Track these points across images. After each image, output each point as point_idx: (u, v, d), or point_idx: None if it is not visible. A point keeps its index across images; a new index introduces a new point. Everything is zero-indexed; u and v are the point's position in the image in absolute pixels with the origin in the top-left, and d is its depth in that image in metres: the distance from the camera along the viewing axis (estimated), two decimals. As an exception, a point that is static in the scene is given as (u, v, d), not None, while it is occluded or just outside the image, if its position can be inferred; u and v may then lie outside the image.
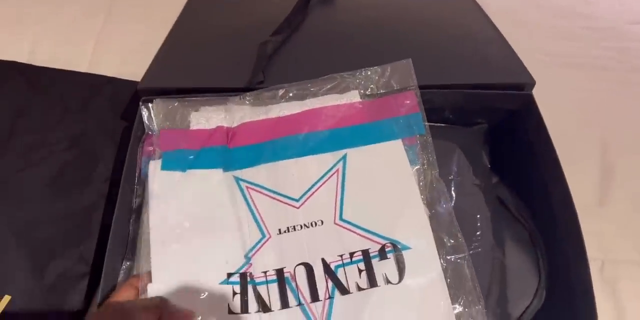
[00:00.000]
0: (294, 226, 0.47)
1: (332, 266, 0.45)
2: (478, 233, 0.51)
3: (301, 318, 0.44)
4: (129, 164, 0.53)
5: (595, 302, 0.45)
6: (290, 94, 0.54)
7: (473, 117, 0.61)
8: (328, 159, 0.50)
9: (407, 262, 0.44)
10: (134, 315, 0.40)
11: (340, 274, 0.45)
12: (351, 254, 0.45)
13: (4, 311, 0.54)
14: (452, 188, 0.54)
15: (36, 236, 0.59)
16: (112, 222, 0.49)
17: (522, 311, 0.52)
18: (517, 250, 0.55)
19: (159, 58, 0.61)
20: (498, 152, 0.61)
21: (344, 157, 0.50)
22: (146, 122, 0.55)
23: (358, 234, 0.47)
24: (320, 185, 0.49)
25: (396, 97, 0.53)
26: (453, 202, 0.52)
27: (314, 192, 0.49)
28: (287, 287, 0.45)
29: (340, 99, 0.53)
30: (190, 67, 0.60)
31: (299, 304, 0.44)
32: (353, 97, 0.54)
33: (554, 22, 0.85)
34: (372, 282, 0.44)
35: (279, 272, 0.45)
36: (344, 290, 0.44)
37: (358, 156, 0.50)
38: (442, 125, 0.60)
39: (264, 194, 0.49)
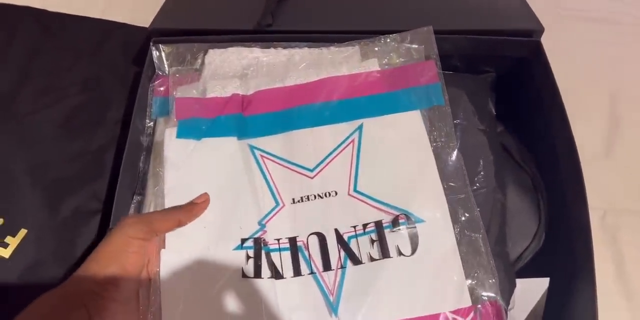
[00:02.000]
0: (308, 196, 0.47)
1: (345, 237, 0.45)
2: (480, 175, 0.52)
3: (313, 286, 0.44)
4: (139, 103, 0.54)
5: (592, 245, 0.46)
6: (307, 62, 0.54)
7: (481, 65, 0.61)
8: (344, 128, 0.50)
9: (421, 235, 0.44)
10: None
11: (353, 245, 0.45)
12: (364, 225, 0.46)
13: (19, 244, 0.56)
14: (457, 132, 0.54)
15: (50, 175, 0.61)
16: (122, 159, 0.50)
17: (520, 252, 0.53)
18: (519, 193, 0.56)
19: (170, 0, 0.61)
20: (504, 101, 0.61)
21: (360, 127, 0.50)
22: (156, 62, 0.56)
23: (371, 206, 0.47)
24: (335, 156, 0.49)
25: (415, 66, 0.52)
26: (458, 144, 0.53)
27: (328, 163, 0.49)
28: (299, 255, 0.45)
29: (359, 68, 0.53)
30: (201, 9, 0.61)
31: (311, 272, 0.45)
32: (372, 65, 0.53)
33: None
34: (385, 253, 0.44)
35: (292, 241, 0.46)
36: (357, 261, 0.44)
37: (375, 126, 0.50)
38: (450, 73, 0.60)
39: (278, 163, 0.49)
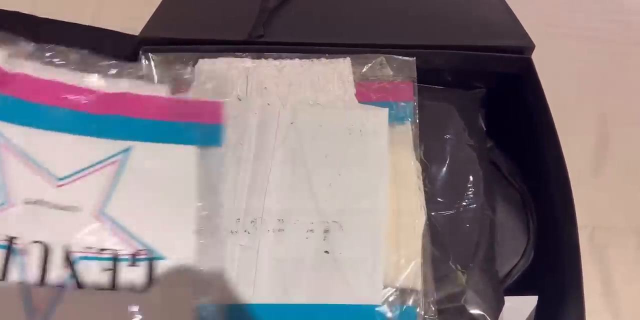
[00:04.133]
0: (46, 203, 0.44)
1: (75, 255, 0.42)
2: (469, 190, 0.52)
3: (16, 296, 0.40)
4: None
5: (581, 263, 0.46)
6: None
7: (471, 81, 0.61)
8: (111, 146, 0.47)
9: (159, 272, 0.43)
10: None
11: (81, 266, 0.42)
12: (101, 250, 0.43)
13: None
14: (447, 147, 0.54)
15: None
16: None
17: (509, 269, 0.53)
18: (508, 211, 0.56)
19: (162, 8, 0.61)
20: (494, 118, 0.61)
21: (129, 150, 0.47)
22: (146, 71, 0.55)
23: (115, 232, 0.44)
24: (92, 172, 0.45)
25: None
26: (448, 161, 0.53)
27: (82, 177, 0.45)
28: (12, 258, 0.41)
29: (146, 90, 0.51)
30: (193, 19, 0.60)
31: (22, 281, 0.41)
32: (161, 90, 0.51)
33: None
34: (113, 285, 0.42)
35: (9, 241, 0.42)
36: (80, 284, 0.41)
37: (145, 152, 0.47)
38: (441, 88, 0.60)
39: (21, 159, 0.45)
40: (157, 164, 0.47)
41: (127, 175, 0.46)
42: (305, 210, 0.47)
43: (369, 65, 0.54)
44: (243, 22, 0.57)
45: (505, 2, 0.63)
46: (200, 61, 0.54)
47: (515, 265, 0.53)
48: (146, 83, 0.52)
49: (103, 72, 0.52)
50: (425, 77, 0.56)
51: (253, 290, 0.44)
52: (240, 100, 0.51)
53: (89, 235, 0.43)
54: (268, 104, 0.51)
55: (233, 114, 0.50)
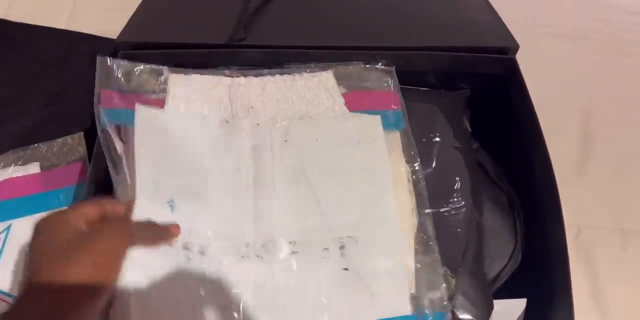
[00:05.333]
0: None
1: None
2: (456, 193, 0.51)
3: None
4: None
5: (569, 265, 0.46)
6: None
7: (456, 82, 0.60)
8: None
9: None
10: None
11: None
12: None
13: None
14: (433, 150, 0.54)
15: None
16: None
17: (498, 272, 0.53)
18: (495, 212, 0.56)
19: (139, 12, 0.59)
20: (480, 118, 0.61)
21: (8, 228, 0.52)
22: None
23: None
24: None
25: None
26: (434, 164, 0.53)
27: None
28: None
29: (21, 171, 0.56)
30: (171, 22, 0.59)
31: None
32: (33, 168, 0.57)
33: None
34: None
35: None
36: None
37: (24, 228, 0.51)
38: (425, 89, 0.60)
39: None
40: None
41: (9, 250, 0.51)
42: (317, 229, 0.46)
43: (352, 74, 0.53)
44: (224, 25, 0.56)
45: (489, 3, 0.63)
46: (173, 77, 0.51)
47: (504, 267, 0.53)
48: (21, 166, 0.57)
49: None
50: (409, 79, 0.56)
51: None
52: (227, 122, 0.50)
53: None
54: (258, 124, 0.50)
55: (221, 139, 0.49)
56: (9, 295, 0.49)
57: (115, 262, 0.37)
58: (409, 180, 0.49)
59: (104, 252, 0.36)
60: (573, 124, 0.69)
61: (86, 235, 0.36)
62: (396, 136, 0.50)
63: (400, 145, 0.50)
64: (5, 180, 0.56)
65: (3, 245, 0.52)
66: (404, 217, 0.47)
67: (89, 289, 0.35)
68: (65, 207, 0.41)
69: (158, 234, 0.43)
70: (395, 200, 0.47)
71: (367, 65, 0.54)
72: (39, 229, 0.37)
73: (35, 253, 0.36)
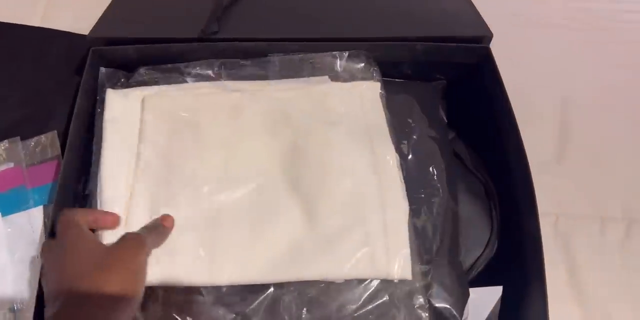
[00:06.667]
0: None
1: None
2: (432, 183, 0.51)
3: None
4: (77, 118, 0.51)
5: (543, 253, 0.46)
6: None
7: (431, 72, 0.60)
8: None
9: None
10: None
11: None
12: None
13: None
14: (409, 140, 0.54)
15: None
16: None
17: (473, 260, 0.53)
18: (471, 201, 0.56)
19: (112, 7, 0.59)
20: (455, 109, 0.61)
21: None
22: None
23: None
24: None
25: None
26: (410, 155, 0.53)
27: None
28: None
29: None
30: (143, 17, 0.59)
31: None
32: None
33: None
34: None
35: None
36: None
37: None
38: (401, 80, 0.60)
39: None
40: None
41: None
42: None
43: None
44: (197, 19, 0.56)
45: (462, -9, 0.62)
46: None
47: (480, 256, 0.53)
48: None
49: None
50: (385, 70, 0.56)
51: None
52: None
53: None
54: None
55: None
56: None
57: (143, 271, 0.41)
58: (399, 168, 0.49)
59: (131, 262, 0.40)
60: (551, 112, 0.69)
61: (110, 249, 0.40)
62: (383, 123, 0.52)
63: (387, 132, 0.51)
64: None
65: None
66: (397, 205, 0.47)
67: (125, 298, 0.38)
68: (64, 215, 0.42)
69: (159, 233, 0.45)
70: (386, 188, 0.48)
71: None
72: (59, 244, 0.40)
73: (60, 266, 0.39)
